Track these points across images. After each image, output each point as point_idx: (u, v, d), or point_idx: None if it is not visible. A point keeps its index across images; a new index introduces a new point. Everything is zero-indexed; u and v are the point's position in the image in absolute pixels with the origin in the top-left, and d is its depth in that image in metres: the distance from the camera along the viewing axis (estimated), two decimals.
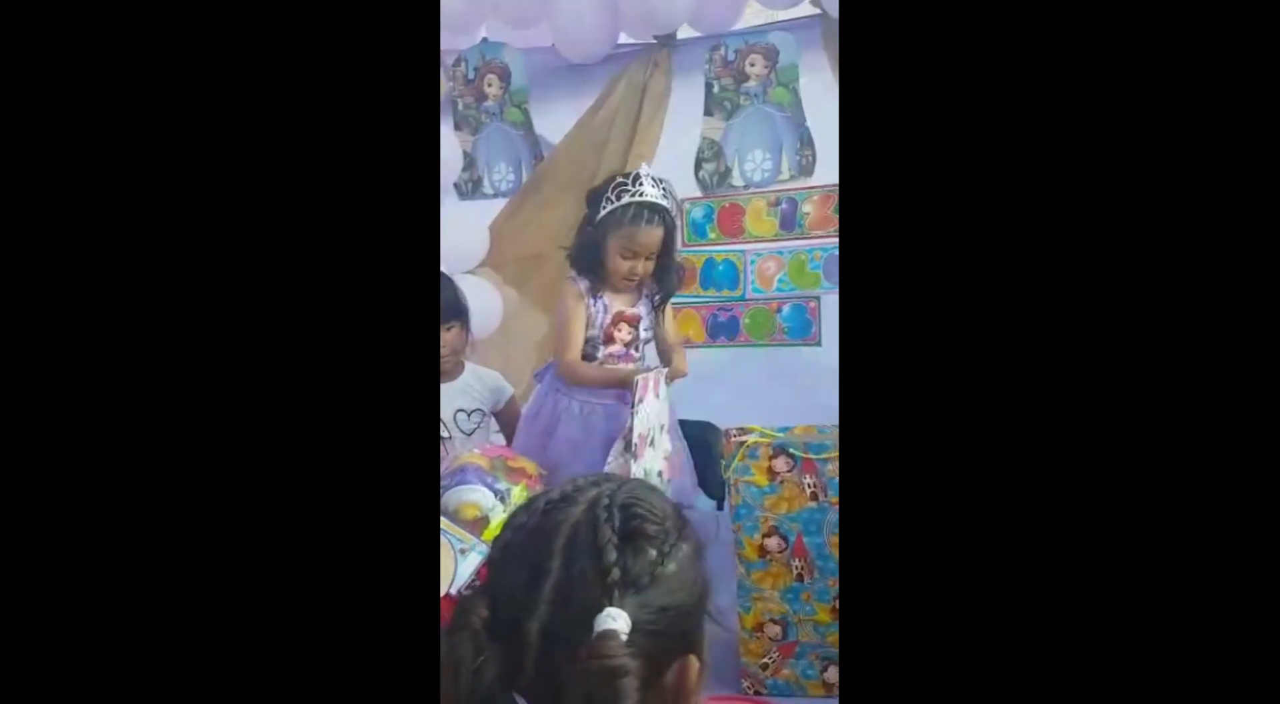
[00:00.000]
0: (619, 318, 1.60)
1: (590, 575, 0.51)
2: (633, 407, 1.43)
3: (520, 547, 0.54)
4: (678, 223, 1.59)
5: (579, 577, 0.51)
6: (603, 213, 1.53)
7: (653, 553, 0.52)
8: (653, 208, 1.52)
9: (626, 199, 1.51)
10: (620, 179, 1.55)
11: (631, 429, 1.42)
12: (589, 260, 1.58)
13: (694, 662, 0.53)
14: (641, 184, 1.52)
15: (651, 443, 1.46)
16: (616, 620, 0.49)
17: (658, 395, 1.49)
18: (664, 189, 1.54)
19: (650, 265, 1.56)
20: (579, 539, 0.52)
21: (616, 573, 0.50)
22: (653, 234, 1.52)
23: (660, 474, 1.49)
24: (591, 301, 1.59)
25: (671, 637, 0.52)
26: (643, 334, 1.63)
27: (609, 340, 1.60)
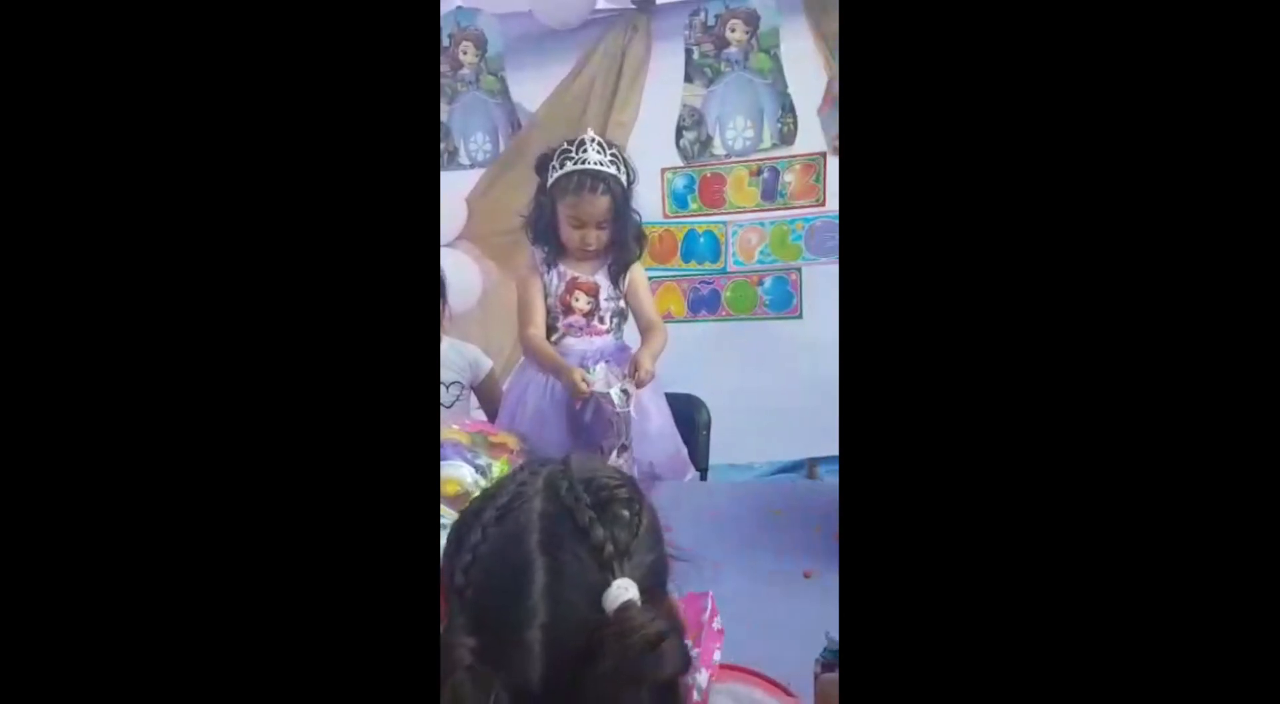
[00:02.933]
0: (574, 285, 1.54)
1: (583, 558, 0.50)
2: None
3: (488, 561, 0.51)
4: (631, 189, 1.51)
5: (570, 564, 0.50)
6: (550, 181, 1.49)
7: (626, 515, 0.52)
8: (596, 175, 1.44)
9: (569, 166, 1.45)
10: (565, 145, 1.49)
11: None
12: (543, 229, 1.53)
13: (674, 600, 0.55)
14: (585, 150, 1.45)
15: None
16: (629, 590, 0.48)
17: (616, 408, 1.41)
18: (613, 155, 1.47)
19: (604, 235, 1.49)
20: (555, 528, 0.51)
21: (610, 547, 0.49)
22: (596, 203, 1.45)
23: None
24: (546, 270, 1.54)
25: (659, 586, 0.53)
26: (604, 304, 1.56)
27: (567, 310, 1.54)
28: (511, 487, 0.54)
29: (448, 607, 0.52)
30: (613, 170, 1.46)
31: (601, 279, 1.56)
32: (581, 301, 1.55)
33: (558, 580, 0.49)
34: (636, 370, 1.43)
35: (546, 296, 1.54)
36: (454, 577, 0.51)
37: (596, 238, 1.50)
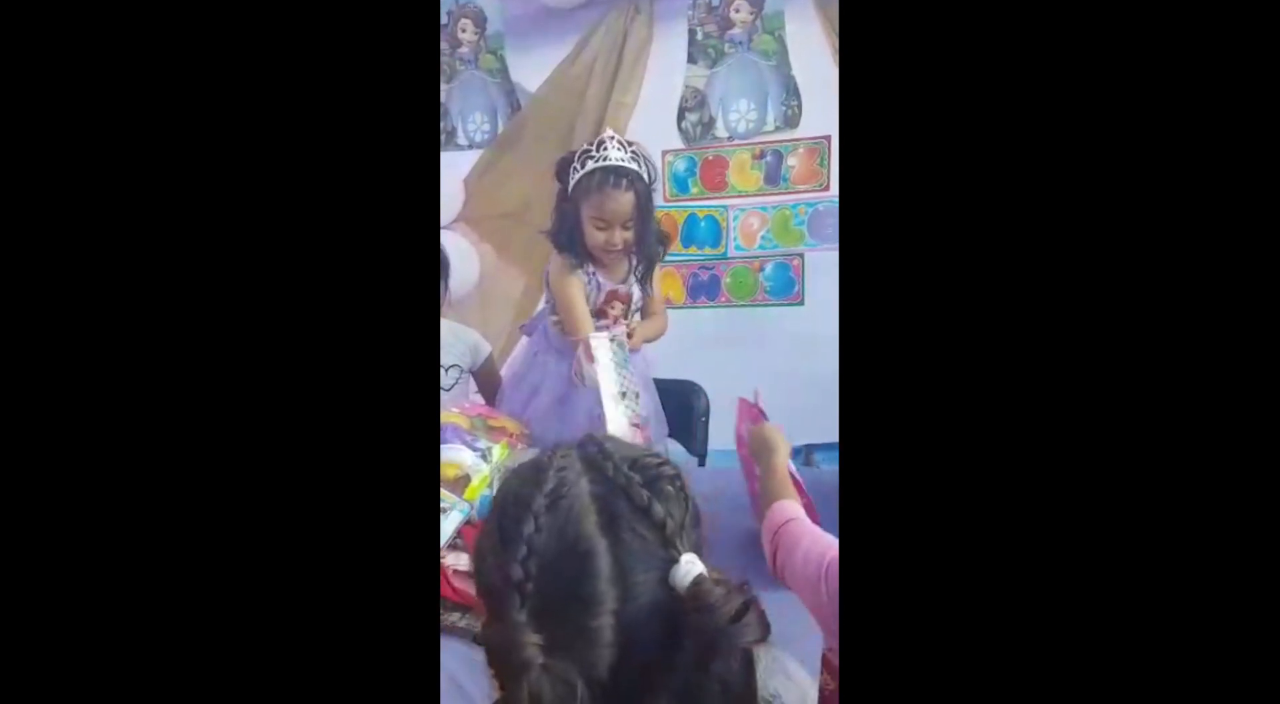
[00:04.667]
0: (612, 297, 1.56)
1: (645, 536, 0.49)
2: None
3: (546, 551, 0.49)
4: (654, 186, 1.51)
5: (634, 543, 0.49)
6: (572, 183, 1.48)
7: (672, 491, 0.52)
8: (619, 171, 1.42)
9: (591, 165, 1.44)
10: (585, 146, 1.47)
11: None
12: (568, 237, 1.51)
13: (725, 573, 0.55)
14: (606, 148, 1.45)
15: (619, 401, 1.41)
16: (696, 563, 0.49)
17: (595, 360, 1.40)
18: (633, 152, 1.45)
19: (629, 235, 1.48)
20: (611, 509, 0.50)
21: (671, 522, 0.50)
22: (621, 199, 1.43)
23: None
24: (583, 273, 1.53)
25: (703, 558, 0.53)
26: (633, 309, 1.58)
27: (600, 315, 1.56)
28: (552, 472, 0.52)
29: (496, 604, 0.50)
30: (634, 166, 1.45)
31: (634, 289, 1.57)
32: (617, 309, 1.57)
33: (623, 562, 0.49)
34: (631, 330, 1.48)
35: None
36: (509, 571, 0.49)
37: (622, 238, 1.47)
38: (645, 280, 1.56)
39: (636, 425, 1.39)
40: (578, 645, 0.47)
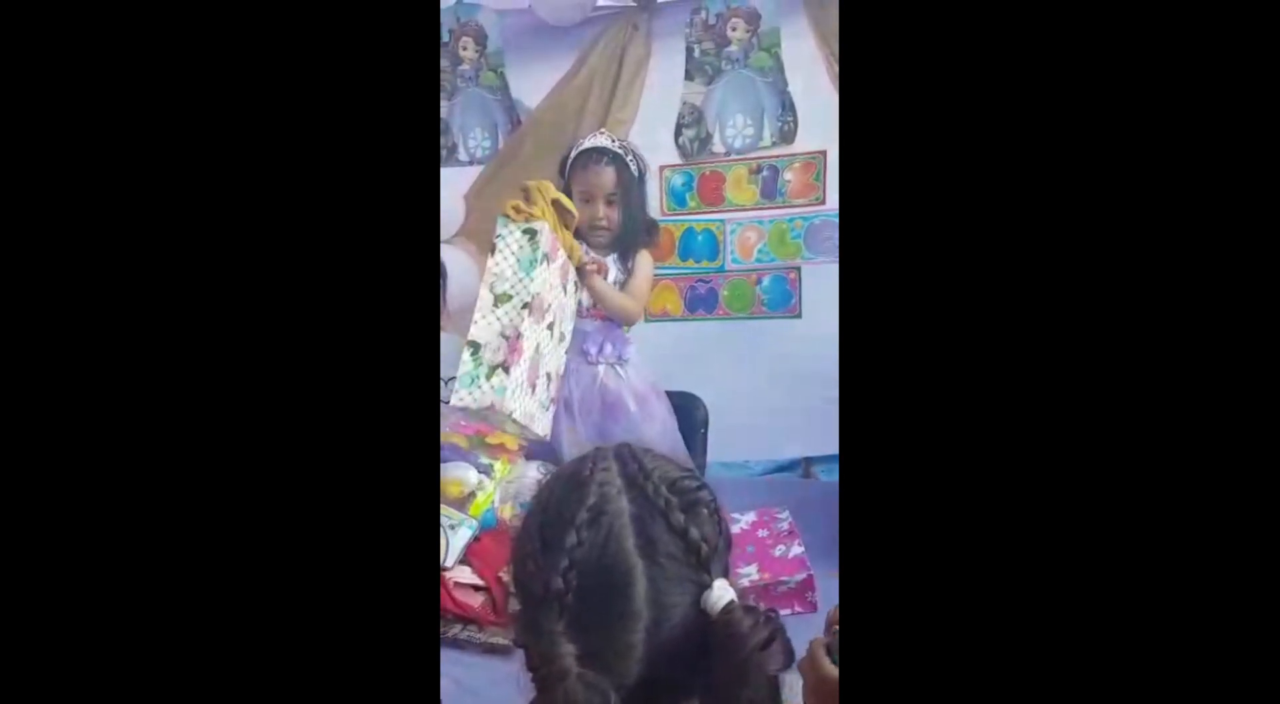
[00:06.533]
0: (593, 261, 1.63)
1: (679, 559, 0.51)
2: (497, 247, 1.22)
3: (587, 566, 0.51)
4: (640, 174, 1.63)
5: (669, 566, 0.51)
6: (567, 170, 1.62)
7: (706, 513, 0.53)
8: (601, 150, 1.58)
9: (578, 150, 1.61)
10: (580, 139, 1.66)
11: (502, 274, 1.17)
12: None
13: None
14: (596, 137, 1.64)
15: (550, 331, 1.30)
16: (727, 590, 0.50)
17: (494, 247, 1.22)
18: (621, 144, 1.62)
19: (613, 214, 1.60)
20: (649, 532, 0.51)
21: (705, 547, 0.51)
22: (601, 174, 1.58)
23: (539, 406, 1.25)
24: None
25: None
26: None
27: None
28: (594, 486, 0.53)
29: (534, 611, 0.51)
30: (615, 148, 1.59)
31: (612, 263, 1.64)
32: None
33: (659, 583, 0.50)
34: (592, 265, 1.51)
35: None
36: (550, 582, 0.50)
37: (606, 215, 1.59)
38: (627, 260, 1.64)
39: (506, 337, 1.21)
40: (611, 658, 0.49)
